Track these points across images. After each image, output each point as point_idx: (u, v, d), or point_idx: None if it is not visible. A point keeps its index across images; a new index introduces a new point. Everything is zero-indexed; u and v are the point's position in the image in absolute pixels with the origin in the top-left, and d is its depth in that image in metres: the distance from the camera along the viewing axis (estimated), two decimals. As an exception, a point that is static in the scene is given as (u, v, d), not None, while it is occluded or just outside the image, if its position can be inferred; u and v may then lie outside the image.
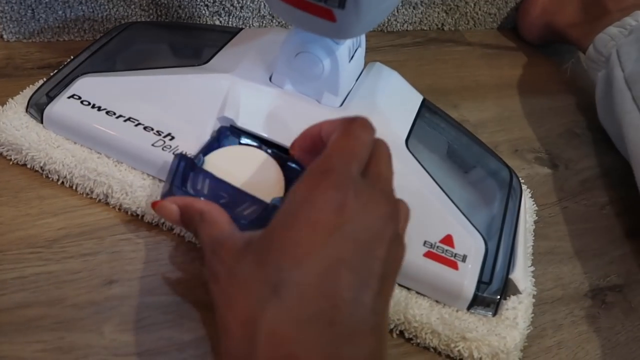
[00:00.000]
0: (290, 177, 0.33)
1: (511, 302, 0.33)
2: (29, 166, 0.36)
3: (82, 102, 0.36)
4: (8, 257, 0.31)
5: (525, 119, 0.53)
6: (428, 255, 0.32)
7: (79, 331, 0.29)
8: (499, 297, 0.33)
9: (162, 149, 0.34)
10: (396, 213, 0.24)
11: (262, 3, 0.53)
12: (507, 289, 0.34)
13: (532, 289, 0.36)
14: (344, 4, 0.30)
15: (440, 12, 0.62)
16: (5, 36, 0.46)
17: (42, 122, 0.36)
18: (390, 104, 0.39)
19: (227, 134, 0.36)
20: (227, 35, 0.43)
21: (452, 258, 0.33)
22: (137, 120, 0.35)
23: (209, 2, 0.51)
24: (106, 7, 0.48)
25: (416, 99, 0.42)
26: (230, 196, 0.32)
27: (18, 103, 0.37)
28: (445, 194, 0.35)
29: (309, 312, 0.20)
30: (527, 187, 0.44)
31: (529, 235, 0.39)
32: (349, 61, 0.36)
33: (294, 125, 0.36)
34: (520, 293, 0.34)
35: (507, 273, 0.34)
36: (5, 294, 0.30)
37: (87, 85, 0.37)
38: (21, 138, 0.35)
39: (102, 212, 0.34)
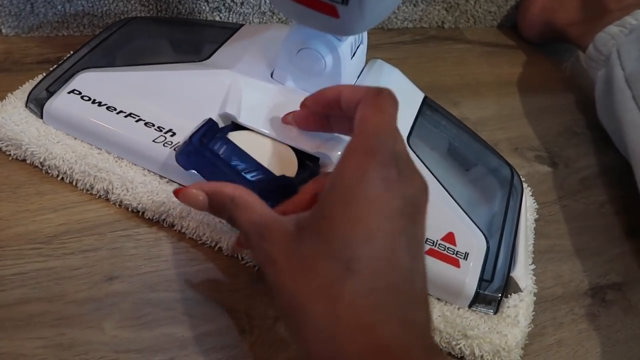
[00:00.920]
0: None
1: (512, 300, 0.33)
2: (28, 161, 0.35)
3: (82, 97, 0.36)
4: (7, 252, 0.31)
5: (525, 117, 0.53)
6: (430, 252, 0.32)
7: (80, 327, 0.29)
8: (500, 295, 0.33)
9: (163, 145, 0.34)
10: (425, 182, 0.26)
11: (263, -1, 0.53)
12: (509, 286, 0.34)
13: (533, 287, 0.36)
14: (347, 0, 0.30)
15: (441, 9, 0.62)
16: (4, 31, 0.45)
17: (41, 117, 0.36)
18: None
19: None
20: (228, 31, 0.42)
21: (454, 256, 0.33)
22: (138, 116, 0.35)
23: (209, -3, 0.51)
24: (106, 2, 0.47)
25: (417, 96, 0.42)
26: (244, 164, 0.33)
27: (17, 98, 0.37)
28: (447, 191, 0.35)
29: (382, 282, 0.22)
30: (528, 185, 0.44)
31: (529, 233, 0.40)
32: (351, 58, 0.36)
33: (295, 122, 0.36)
34: (521, 291, 0.34)
35: (509, 271, 0.34)
36: (5, 290, 0.29)
37: (88, 81, 0.37)
38: (21, 133, 0.35)
39: (102, 208, 0.34)
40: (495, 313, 0.33)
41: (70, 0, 0.46)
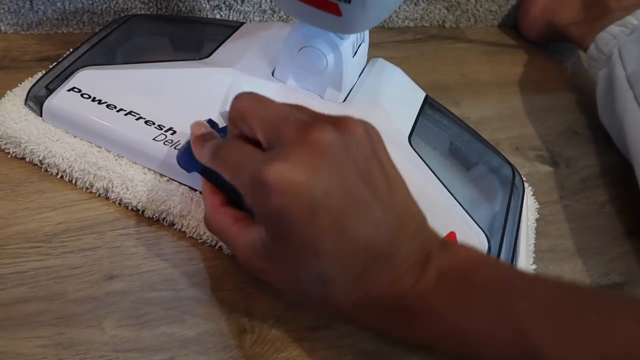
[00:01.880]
0: None
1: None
2: (27, 160, 0.35)
3: (82, 95, 0.36)
4: (7, 251, 0.31)
5: (526, 117, 0.53)
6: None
7: (79, 327, 0.29)
8: (501, 294, 0.33)
9: (164, 143, 0.34)
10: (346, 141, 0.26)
11: (263, -3, 0.53)
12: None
13: (534, 287, 0.35)
14: (349, -2, 0.30)
15: (442, 8, 0.62)
16: (2, 28, 0.45)
17: (41, 115, 0.36)
18: (393, 100, 0.39)
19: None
20: (229, 29, 0.42)
21: (456, 255, 0.32)
22: (139, 114, 0.35)
23: (210, -5, 0.51)
24: (105, -1, 0.47)
25: (419, 95, 0.41)
26: None
27: (16, 95, 0.37)
28: (448, 190, 0.35)
29: (357, 265, 0.24)
30: (529, 185, 0.44)
31: (530, 233, 0.39)
32: (353, 56, 0.36)
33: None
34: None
35: (510, 271, 0.34)
36: (4, 288, 0.29)
37: (87, 78, 0.36)
38: (20, 131, 0.35)
39: (102, 207, 0.34)
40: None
41: (69, -2, 0.46)
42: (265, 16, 0.54)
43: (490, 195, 0.39)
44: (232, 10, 0.52)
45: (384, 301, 0.25)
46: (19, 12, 0.45)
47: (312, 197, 0.23)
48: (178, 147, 0.34)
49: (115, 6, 0.48)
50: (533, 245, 0.39)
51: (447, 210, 0.34)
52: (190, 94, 0.36)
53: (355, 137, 0.25)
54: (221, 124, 0.35)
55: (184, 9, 0.51)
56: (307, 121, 0.25)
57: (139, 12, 0.49)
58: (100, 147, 0.35)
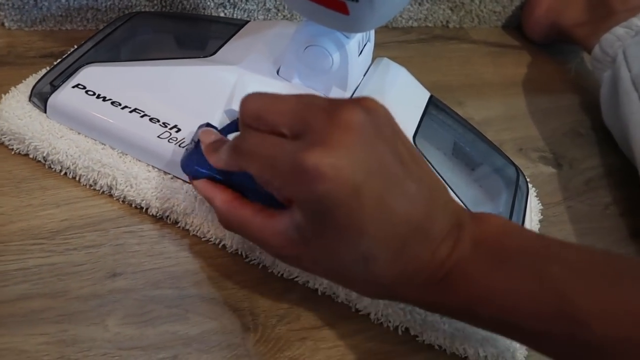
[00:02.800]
0: None
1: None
2: (31, 156, 0.35)
3: (87, 92, 0.35)
4: (10, 248, 0.31)
5: (530, 118, 0.53)
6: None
7: (83, 324, 0.28)
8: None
9: (168, 140, 0.34)
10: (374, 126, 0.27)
11: (268, -4, 0.52)
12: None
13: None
14: (357, -4, 0.29)
15: (446, 9, 0.62)
16: (7, 24, 0.45)
17: (45, 112, 0.36)
18: (398, 100, 0.39)
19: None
20: (233, 27, 0.42)
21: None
22: (143, 112, 0.35)
23: (214, -7, 0.50)
24: (110, -4, 0.47)
25: (423, 95, 0.41)
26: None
27: (21, 92, 0.37)
28: (452, 190, 0.35)
29: (397, 241, 0.25)
30: (532, 186, 0.44)
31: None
32: (358, 55, 0.36)
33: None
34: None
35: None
36: (8, 285, 0.29)
37: (92, 75, 0.36)
38: (24, 127, 0.35)
39: (105, 204, 0.34)
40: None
41: (74, -6, 0.46)
42: (269, 14, 0.54)
43: (494, 195, 0.39)
44: (236, 9, 0.52)
45: (422, 273, 0.26)
46: (23, 9, 0.45)
47: (355, 178, 0.23)
48: (183, 146, 0.33)
49: (120, 3, 0.48)
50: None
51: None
52: (195, 91, 0.36)
53: (380, 115, 0.25)
54: (226, 121, 0.35)
55: (188, 6, 0.50)
56: (332, 105, 0.25)
57: (143, 10, 0.49)
58: (105, 145, 0.35)
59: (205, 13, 0.51)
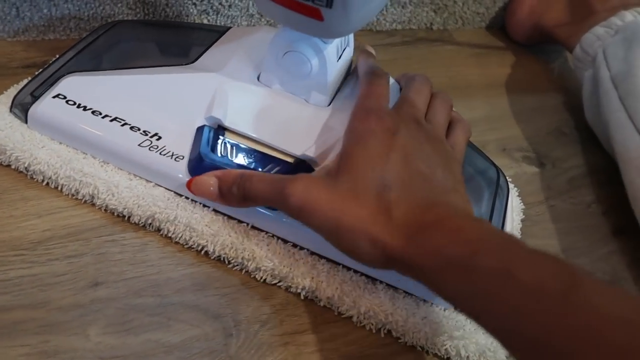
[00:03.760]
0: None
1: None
2: (13, 167, 0.35)
3: (67, 101, 0.36)
4: (-9, 259, 0.31)
5: (513, 118, 0.54)
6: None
7: (64, 334, 0.29)
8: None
9: (149, 149, 0.34)
10: (423, 127, 0.33)
11: (251, 2, 0.53)
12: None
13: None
14: (331, 3, 0.30)
15: (429, 11, 0.62)
16: (-12, 35, 0.45)
17: (26, 122, 0.36)
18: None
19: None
20: (215, 34, 0.42)
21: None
22: (124, 120, 0.35)
23: (197, 0, 0.51)
24: (92, 5, 0.47)
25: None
26: (256, 159, 0.35)
27: (2, 103, 0.37)
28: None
29: (415, 185, 0.29)
30: (515, 186, 0.44)
31: (515, 234, 0.40)
32: (337, 60, 0.36)
33: (282, 125, 0.36)
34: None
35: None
36: (-11, 297, 0.29)
37: (73, 85, 0.36)
38: (5, 138, 0.35)
39: (87, 214, 0.34)
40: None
41: (56, 4, 0.46)
42: (252, 20, 0.54)
43: (476, 197, 0.39)
44: (219, 15, 0.52)
45: (429, 214, 0.28)
46: (4, 19, 0.45)
47: (395, 126, 0.31)
48: (163, 152, 0.34)
49: (102, 12, 0.48)
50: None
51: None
52: (175, 99, 0.36)
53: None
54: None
55: (171, 14, 0.51)
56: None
57: (126, 18, 0.49)
58: (86, 154, 0.35)
59: (188, 20, 0.51)
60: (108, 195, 0.34)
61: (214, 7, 0.52)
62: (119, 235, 0.33)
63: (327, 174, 0.30)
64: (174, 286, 0.32)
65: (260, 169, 0.34)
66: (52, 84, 0.37)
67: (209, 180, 0.32)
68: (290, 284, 0.33)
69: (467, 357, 0.31)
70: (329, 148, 0.34)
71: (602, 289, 0.23)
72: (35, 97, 0.36)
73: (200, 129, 0.35)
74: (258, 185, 0.31)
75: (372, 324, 0.32)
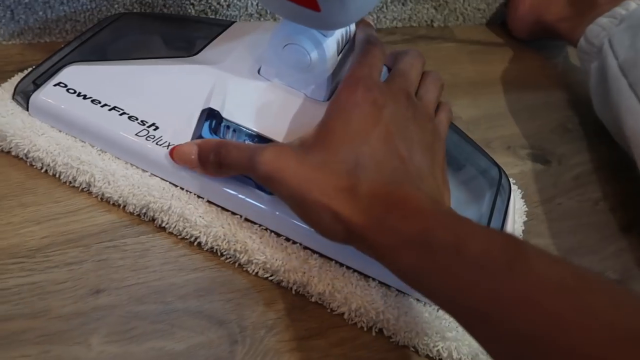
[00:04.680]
0: None
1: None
2: (13, 154, 0.35)
3: (67, 90, 0.35)
4: (-11, 268, 0.30)
5: (517, 115, 0.53)
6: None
7: (65, 344, 0.28)
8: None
9: (146, 138, 0.34)
10: (413, 103, 0.32)
11: (249, 1, 0.52)
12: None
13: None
14: (328, -7, 0.29)
15: (430, 8, 0.61)
16: (-17, 38, 0.44)
17: (27, 110, 0.35)
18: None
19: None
20: (219, 28, 0.42)
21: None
22: (122, 110, 0.35)
23: (195, 0, 0.50)
24: (88, 7, 0.46)
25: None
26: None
27: (5, 90, 0.37)
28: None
29: (388, 167, 0.28)
30: (520, 184, 0.43)
31: (517, 235, 0.39)
32: (338, 55, 0.36)
33: (279, 118, 0.35)
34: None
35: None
36: (-13, 307, 0.28)
37: (74, 74, 0.36)
38: (6, 125, 0.34)
39: (87, 220, 0.33)
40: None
41: (51, 6, 0.45)
42: (251, 20, 0.54)
43: (478, 196, 0.38)
44: (218, 15, 0.52)
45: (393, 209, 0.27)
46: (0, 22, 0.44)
47: (382, 109, 0.30)
48: (159, 142, 0.34)
49: (99, 14, 0.47)
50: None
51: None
52: (174, 90, 0.36)
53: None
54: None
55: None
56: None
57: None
58: (85, 142, 0.35)
59: (187, 20, 0.51)
60: (104, 183, 0.33)
61: (212, 7, 0.51)
62: (120, 241, 0.33)
63: (301, 144, 0.29)
64: (177, 292, 0.31)
65: None
66: (54, 73, 0.36)
67: (191, 148, 0.32)
68: (281, 279, 0.32)
69: (459, 358, 0.31)
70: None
71: (547, 259, 0.23)
72: (37, 85, 0.36)
73: (203, 113, 0.34)
74: (232, 152, 0.31)
75: (364, 322, 0.32)
